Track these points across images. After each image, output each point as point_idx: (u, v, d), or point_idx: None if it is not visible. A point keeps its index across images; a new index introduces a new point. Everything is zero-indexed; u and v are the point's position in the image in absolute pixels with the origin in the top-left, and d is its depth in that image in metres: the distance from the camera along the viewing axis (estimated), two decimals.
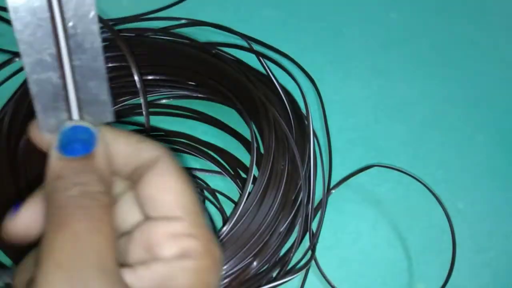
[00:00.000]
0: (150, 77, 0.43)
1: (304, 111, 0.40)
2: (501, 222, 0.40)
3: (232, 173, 0.40)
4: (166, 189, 0.19)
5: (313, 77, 0.44)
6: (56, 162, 0.18)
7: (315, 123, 0.42)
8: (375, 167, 0.41)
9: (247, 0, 0.50)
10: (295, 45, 0.47)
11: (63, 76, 0.18)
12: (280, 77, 0.41)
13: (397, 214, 0.40)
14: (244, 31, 0.44)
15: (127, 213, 0.20)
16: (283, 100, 0.40)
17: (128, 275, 0.17)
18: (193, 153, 0.41)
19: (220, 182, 0.40)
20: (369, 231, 0.39)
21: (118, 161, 0.19)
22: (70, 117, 0.19)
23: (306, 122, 0.39)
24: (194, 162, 0.41)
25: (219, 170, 0.40)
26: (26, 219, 0.19)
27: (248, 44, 0.42)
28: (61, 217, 0.16)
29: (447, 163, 0.42)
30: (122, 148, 0.19)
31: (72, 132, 0.18)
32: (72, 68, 0.18)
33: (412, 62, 0.47)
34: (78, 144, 0.18)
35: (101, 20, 0.36)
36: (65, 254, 0.16)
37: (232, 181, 0.40)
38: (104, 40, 0.40)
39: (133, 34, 0.42)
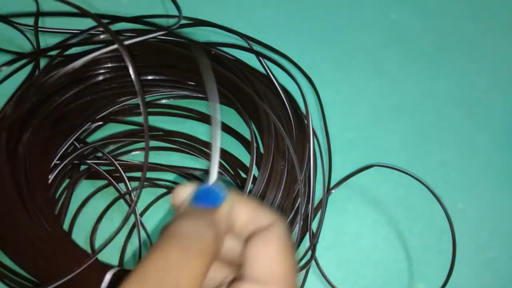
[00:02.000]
0: (150, 77, 0.43)
1: (304, 111, 0.40)
2: (501, 222, 0.40)
3: (232, 173, 0.40)
4: (266, 253, 0.20)
5: (313, 77, 0.44)
6: (184, 207, 0.21)
7: (315, 123, 0.42)
8: (375, 167, 0.41)
9: (247, 0, 0.50)
10: (295, 45, 0.47)
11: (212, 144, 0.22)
12: (280, 77, 0.41)
13: (397, 214, 0.40)
14: (244, 31, 0.44)
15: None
16: (283, 100, 0.40)
17: None
18: (193, 153, 0.41)
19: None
20: (369, 231, 0.39)
21: (238, 223, 0.21)
22: (210, 179, 0.22)
23: (306, 122, 0.39)
24: (194, 162, 0.41)
25: (219, 170, 0.40)
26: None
27: (248, 44, 0.42)
28: (163, 241, 0.18)
29: (447, 163, 0.42)
30: (243, 212, 0.21)
31: (207, 189, 0.21)
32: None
33: (412, 62, 0.47)
34: (207, 198, 0.21)
35: (99, 22, 0.36)
36: (151, 274, 0.17)
37: (232, 181, 0.40)
38: (102, 41, 0.41)
39: (134, 34, 0.42)
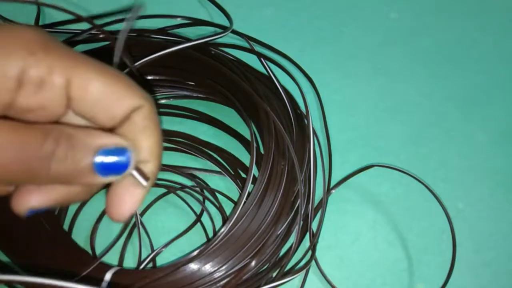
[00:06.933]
0: (150, 77, 0.43)
1: (304, 111, 0.40)
2: (501, 222, 0.40)
3: (232, 173, 0.40)
4: (146, 141, 0.22)
5: (312, 77, 0.44)
6: None
7: (315, 123, 0.42)
8: (375, 167, 0.41)
9: (247, 0, 0.50)
10: (295, 45, 0.47)
11: None
12: (280, 77, 0.41)
13: (397, 214, 0.40)
14: (243, 31, 0.44)
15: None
16: (283, 100, 0.40)
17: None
18: (193, 153, 0.41)
19: (220, 182, 0.40)
20: (369, 231, 0.39)
21: (91, 96, 0.20)
22: None
23: (306, 122, 0.39)
24: (194, 162, 0.41)
25: (219, 170, 0.41)
26: None
27: (250, 45, 0.42)
28: None
29: (447, 163, 0.42)
30: (97, 82, 0.20)
31: None
32: None
33: (412, 62, 0.47)
34: None
35: (95, 25, 0.36)
36: None
37: (232, 181, 0.40)
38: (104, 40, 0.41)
39: (134, 34, 0.42)
